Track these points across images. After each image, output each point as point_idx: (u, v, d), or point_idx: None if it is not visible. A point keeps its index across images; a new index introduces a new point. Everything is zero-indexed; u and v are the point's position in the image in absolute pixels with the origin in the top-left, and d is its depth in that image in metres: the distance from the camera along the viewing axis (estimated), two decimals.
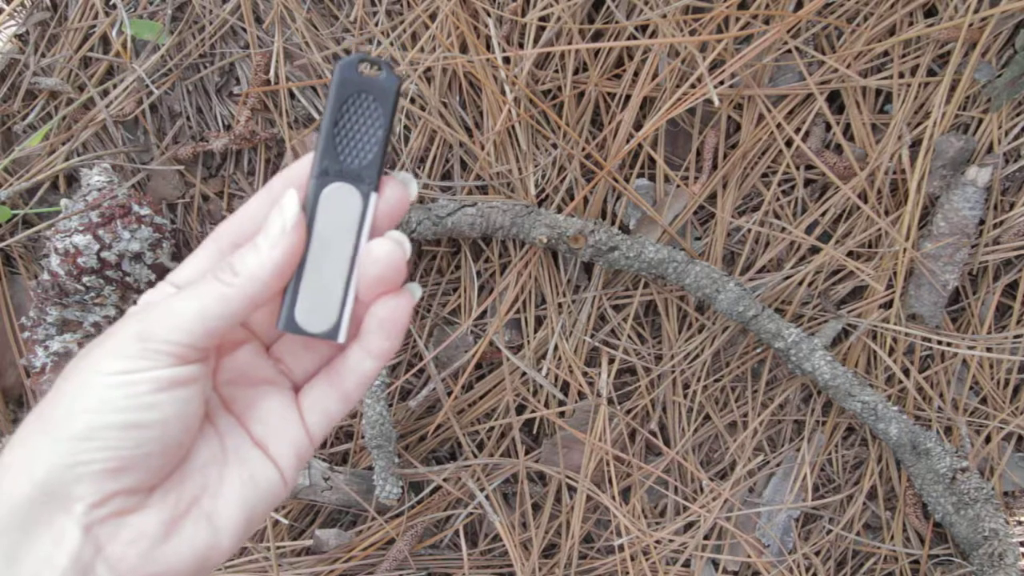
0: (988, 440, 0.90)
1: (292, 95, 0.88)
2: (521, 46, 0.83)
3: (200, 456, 0.38)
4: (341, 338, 0.39)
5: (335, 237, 0.38)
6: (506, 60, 0.82)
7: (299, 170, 0.39)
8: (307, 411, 0.41)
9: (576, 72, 0.84)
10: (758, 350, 0.91)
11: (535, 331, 0.91)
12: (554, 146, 0.85)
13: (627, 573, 0.92)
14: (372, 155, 0.38)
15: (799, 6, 0.80)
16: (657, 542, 0.93)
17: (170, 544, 0.35)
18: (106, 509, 0.33)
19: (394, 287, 0.39)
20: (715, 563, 0.94)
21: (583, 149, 0.85)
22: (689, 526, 0.94)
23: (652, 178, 0.87)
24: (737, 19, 0.80)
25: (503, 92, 0.83)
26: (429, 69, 0.84)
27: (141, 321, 0.35)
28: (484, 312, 0.91)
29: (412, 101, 0.86)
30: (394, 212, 0.39)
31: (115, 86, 0.89)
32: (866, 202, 0.85)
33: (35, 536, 0.33)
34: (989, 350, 0.88)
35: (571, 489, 0.94)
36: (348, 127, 0.38)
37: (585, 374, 0.91)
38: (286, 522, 0.94)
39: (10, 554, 0.32)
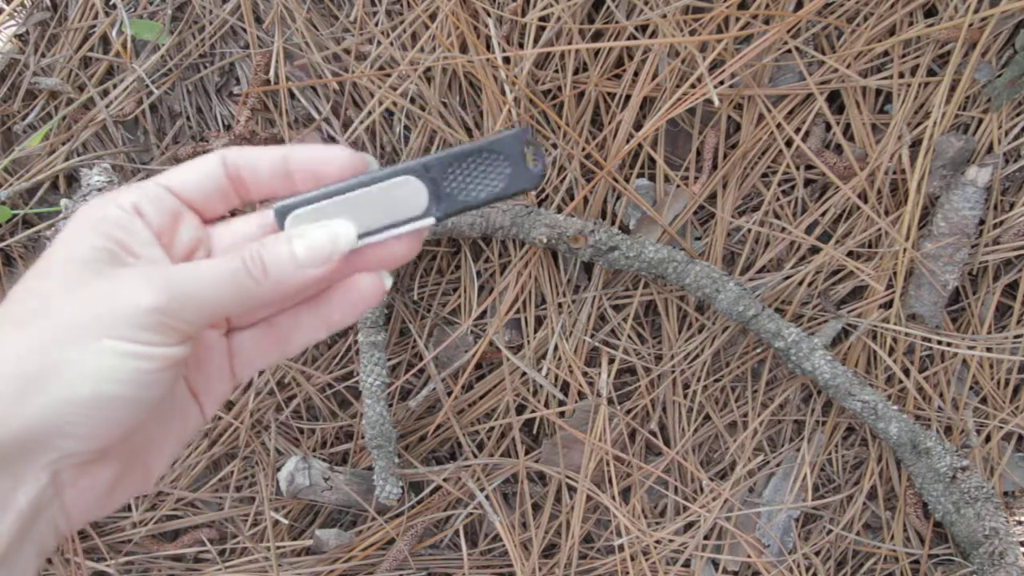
0: (988, 440, 0.90)
1: (292, 95, 0.88)
2: (521, 46, 0.83)
3: (156, 411, 0.38)
4: None
5: (374, 206, 0.39)
6: (506, 60, 0.82)
7: (323, 155, 0.38)
8: (239, 361, 0.40)
9: (576, 72, 0.84)
10: (758, 350, 0.91)
11: (535, 331, 0.91)
12: (554, 146, 0.85)
13: (627, 573, 0.92)
14: (470, 195, 0.39)
15: (799, 6, 0.80)
16: (657, 542, 0.92)
17: (115, 493, 0.36)
18: (75, 459, 0.33)
19: (359, 312, 0.40)
20: (715, 563, 0.94)
21: (583, 149, 0.85)
22: (689, 526, 0.94)
23: (652, 178, 0.87)
24: (737, 19, 0.80)
25: (503, 92, 0.83)
26: (429, 69, 0.84)
27: (160, 291, 0.33)
28: (484, 312, 0.91)
29: (412, 101, 0.86)
30: (373, 291, 0.40)
31: (115, 86, 0.89)
32: (866, 202, 0.85)
33: None
34: (989, 350, 0.88)
35: (571, 489, 0.94)
36: (472, 167, 0.39)
37: (585, 374, 0.91)
38: (286, 522, 0.94)
39: None
